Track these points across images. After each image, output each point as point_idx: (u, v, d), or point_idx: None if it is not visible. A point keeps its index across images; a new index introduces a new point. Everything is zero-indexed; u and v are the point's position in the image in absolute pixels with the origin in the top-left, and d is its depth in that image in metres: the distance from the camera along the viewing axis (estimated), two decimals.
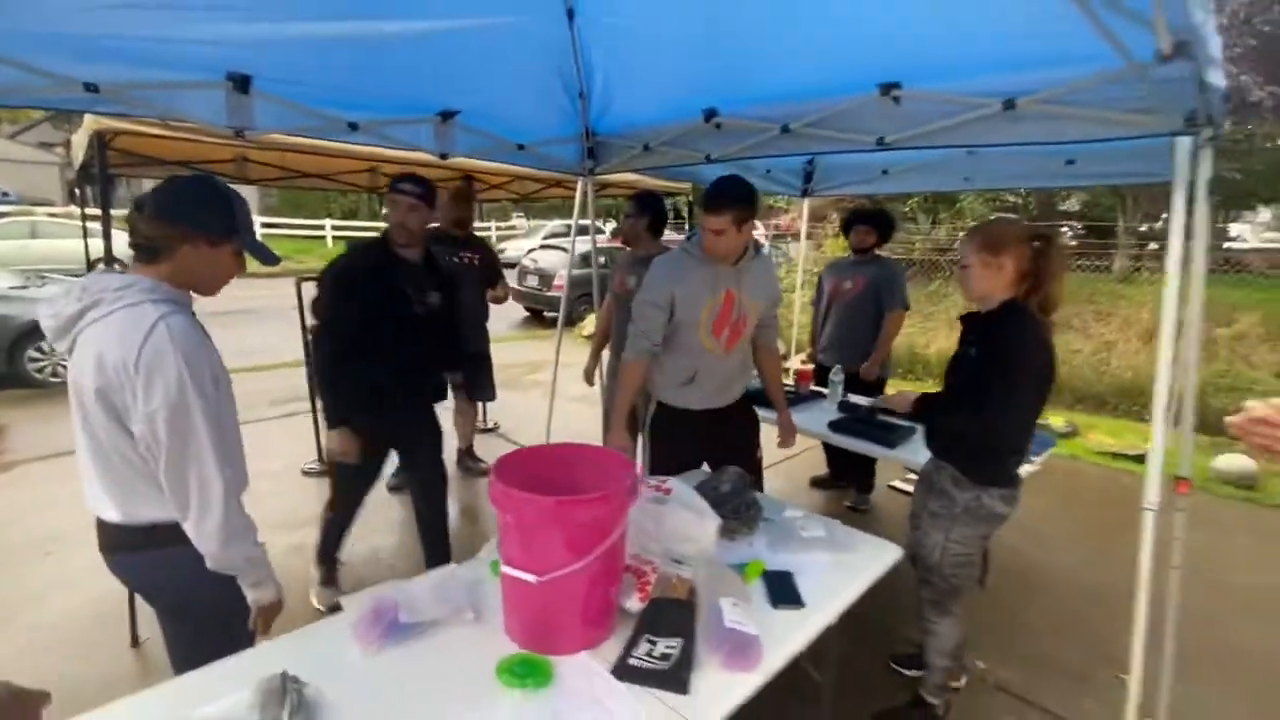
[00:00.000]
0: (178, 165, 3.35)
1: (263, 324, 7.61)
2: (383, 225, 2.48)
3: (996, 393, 1.69)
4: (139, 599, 2.36)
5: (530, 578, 1.19)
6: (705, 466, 2.21)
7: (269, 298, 6.57)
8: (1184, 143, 1.55)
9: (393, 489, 3.70)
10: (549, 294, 9.57)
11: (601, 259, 4.76)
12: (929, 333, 7.36)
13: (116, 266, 1.97)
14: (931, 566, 1.91)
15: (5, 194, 14.74)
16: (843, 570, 1.57)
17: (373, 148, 2.60)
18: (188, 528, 1.24)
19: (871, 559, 1.62)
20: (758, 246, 2.20)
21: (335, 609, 1.41)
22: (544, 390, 3.79)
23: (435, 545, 2.62)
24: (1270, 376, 5.78)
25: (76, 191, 4.27)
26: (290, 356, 5.20)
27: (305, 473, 3.97)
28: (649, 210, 2.94)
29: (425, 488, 2.60)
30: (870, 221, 3.39)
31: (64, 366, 5.28)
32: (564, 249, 10.17)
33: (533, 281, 9.98)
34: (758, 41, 2.02)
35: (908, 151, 2.51)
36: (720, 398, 2.26)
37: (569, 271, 3.73)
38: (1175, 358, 1.64)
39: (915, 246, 9.31)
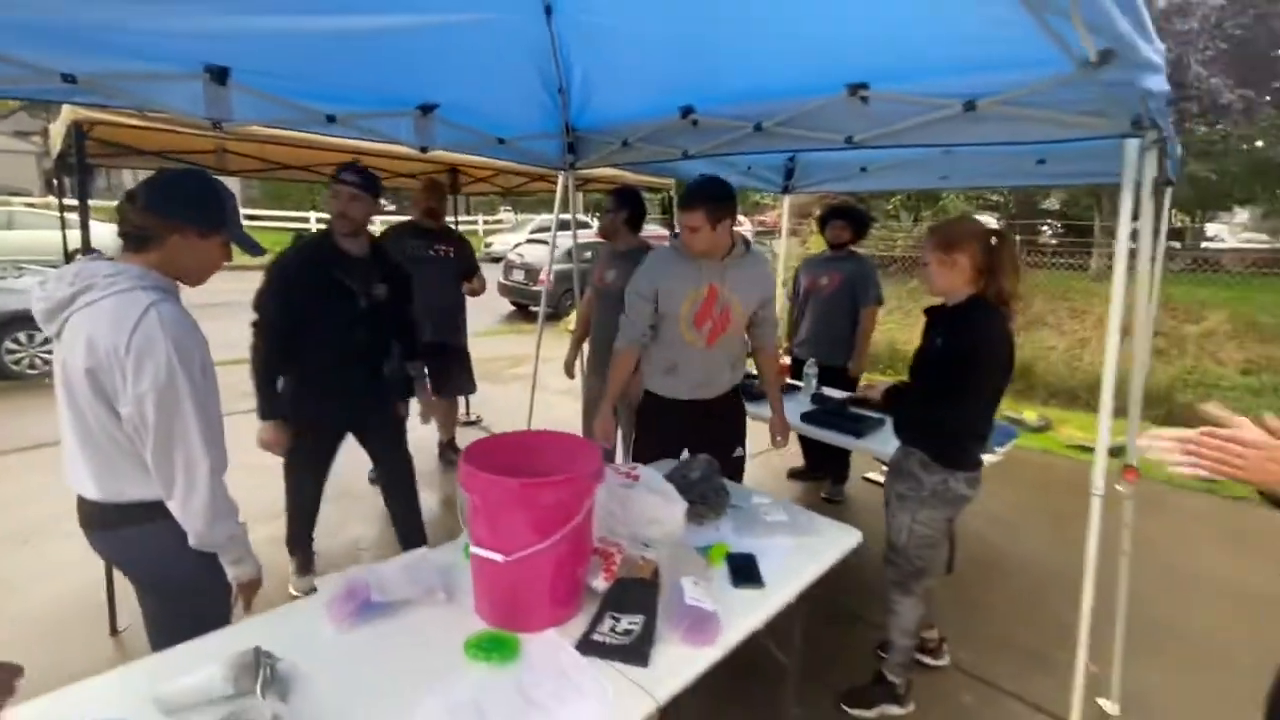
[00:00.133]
0: (156, 155, 3.34)
1: (247, 317, 7.62)
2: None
3: (962, 382, 1.78)
4: (118, 589, 2.40)
5: (498, 557, 1.24)
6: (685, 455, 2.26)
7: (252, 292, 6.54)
8: (1132, 144, 1.63)
9: (373, 481, 3.72)
10: (535, 288, 9.58)
11: (588, 253, 4.80)
12: (909, 329, 7.48)
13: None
14: (898, 548, 1.99)
15: None
16: (804, 553, 1.63)
17: (354, 140, 2.63)
18: (173, 506, 1.28)
19: (832, 542, 1.69)
20: (748, 244, 2.23)
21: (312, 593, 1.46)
22: (527, 384, 3.83)
23: (409, 532, 2.66)
24: (1236, 373, 5.95)
25: (54, 182, 4.23)
26: None
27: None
28: (627, 205, 2.98)
29: (390, 477, 2.65)
30: (846, 218, 3.46)
31: (41, 359, 5.25)
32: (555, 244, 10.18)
33: (519, 276, 9.98)
34: (732, 42, 2.06)
35: (885, 150, 2.59)
36: (702, 390, 2.29)
37: (549, 265, 3.76)
38: (1123, 351, 1.71)
39: (897, 243, 9.43)
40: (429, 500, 3.64)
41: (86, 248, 2.20)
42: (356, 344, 2.33)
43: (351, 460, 2.68)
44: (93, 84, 1.74)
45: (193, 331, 1.29)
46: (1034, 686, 2.25)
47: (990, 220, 12.76)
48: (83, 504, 1.36)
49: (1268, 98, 10.15)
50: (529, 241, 11.34)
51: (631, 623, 1.29)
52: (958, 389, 1.79)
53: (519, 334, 8.83)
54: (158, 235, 1.29)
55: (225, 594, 1.42)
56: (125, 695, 1.09)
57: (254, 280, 2.32)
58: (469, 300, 3.97)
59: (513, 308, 10.43)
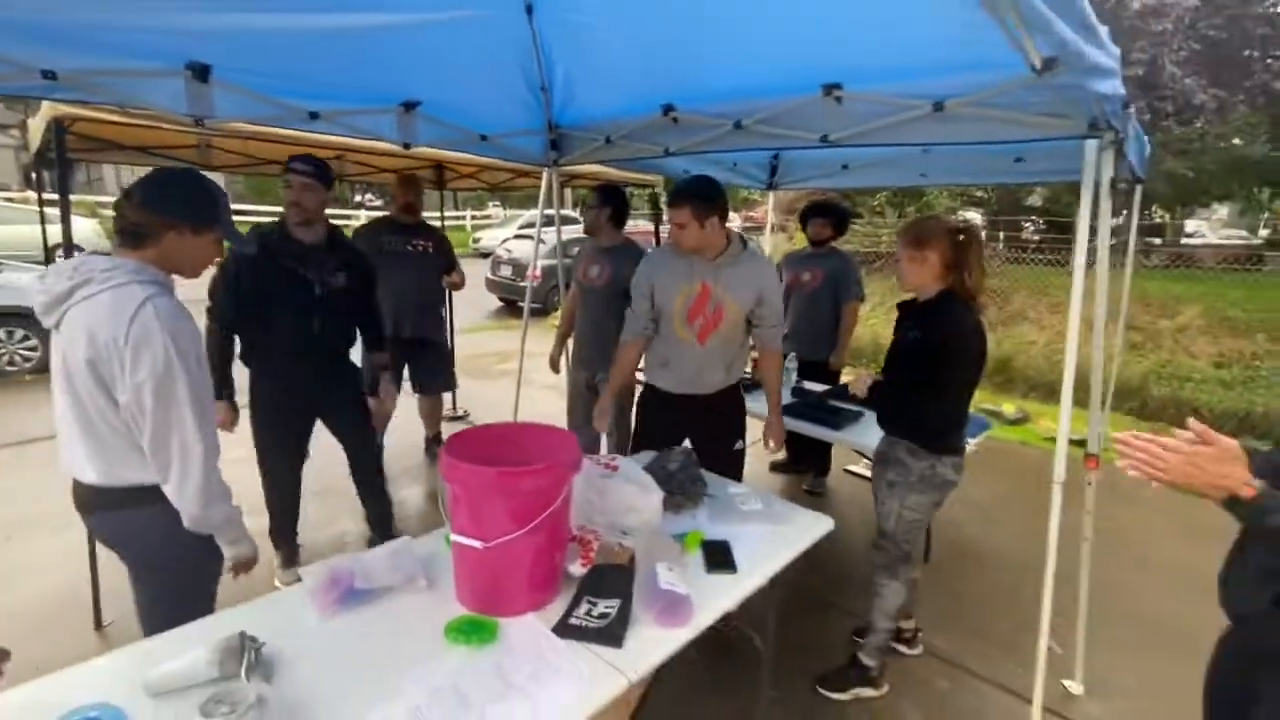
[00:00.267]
0: (137, 151, 3.32)
1: None
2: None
3: (938, 372, 1.86)
4: (103, 584, 2.42)
5: (477, 544, 1.28)
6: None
7: None
8: (1091, 145, 1.69)
9: None
10: (523, 284, 9.58)
11: (575, 249, 4.82)
12: (893, 324, 7.56)
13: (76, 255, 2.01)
14: (887, 533, 2.06)
15: None
16: (777, 540, 1.68)
17: (337, 137, 2.64)
18: (169, 490, 1.34)
19: (804, 530, 1.74)
20: (744, 242, 2.26)
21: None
22: (514, 379, 3.86)
23: (379, 517, 2.75)
24: (1209, 366, 6.09)
25: (33, 176, 4.21)
26: None
27: None
28: (611, 202, 3.02)
29: (356, 460, 2.72)
30: (826, 215, 3.52)
31: (20, 355, 5.19)
32: (541, 239, 10.18)
33: (506, 271, 9.98)
34: (711, 41, 2.10)
35: (866, 148, 2.63)
36: (694, 385, 2.33)
37: (534, 261, 3.79)
38: (1082, 344, 1.78)
39: (882, 240, 9.52)
40: (415, 494, 3.68)
41: (69, 243, 2.21)
42: (314, 332, 2.38)
43: (338, 458, 2.71)
44: (74, 80, 1.74)
45: (187, 323, 1.35)
46: (1005, 671, 2.32)
47: (975, 217, 12.93)
48: (81, 489, 1.41)
49: (1241, 97, 10.36)
50: (517, 237, 11.32)
51: (608, 606, 1.33)
52: (934, 379, 1.87)
53: (507, 329, 8.84)
54: (153, 232, 1.35)
55: (215, 576, 1.48)
56: (114, 681, 1.12)
57: None
58: (456, 296, 3.99)
59: (500, 303, 10.43)
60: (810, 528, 1.75)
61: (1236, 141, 11.07)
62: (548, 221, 3.61)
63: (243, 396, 2.44)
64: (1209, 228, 20.47)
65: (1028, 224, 13.12)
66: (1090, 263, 1.77)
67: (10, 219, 10.10)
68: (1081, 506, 2.16)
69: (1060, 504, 1.79)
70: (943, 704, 2.17)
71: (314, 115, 2.21)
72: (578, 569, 1.45)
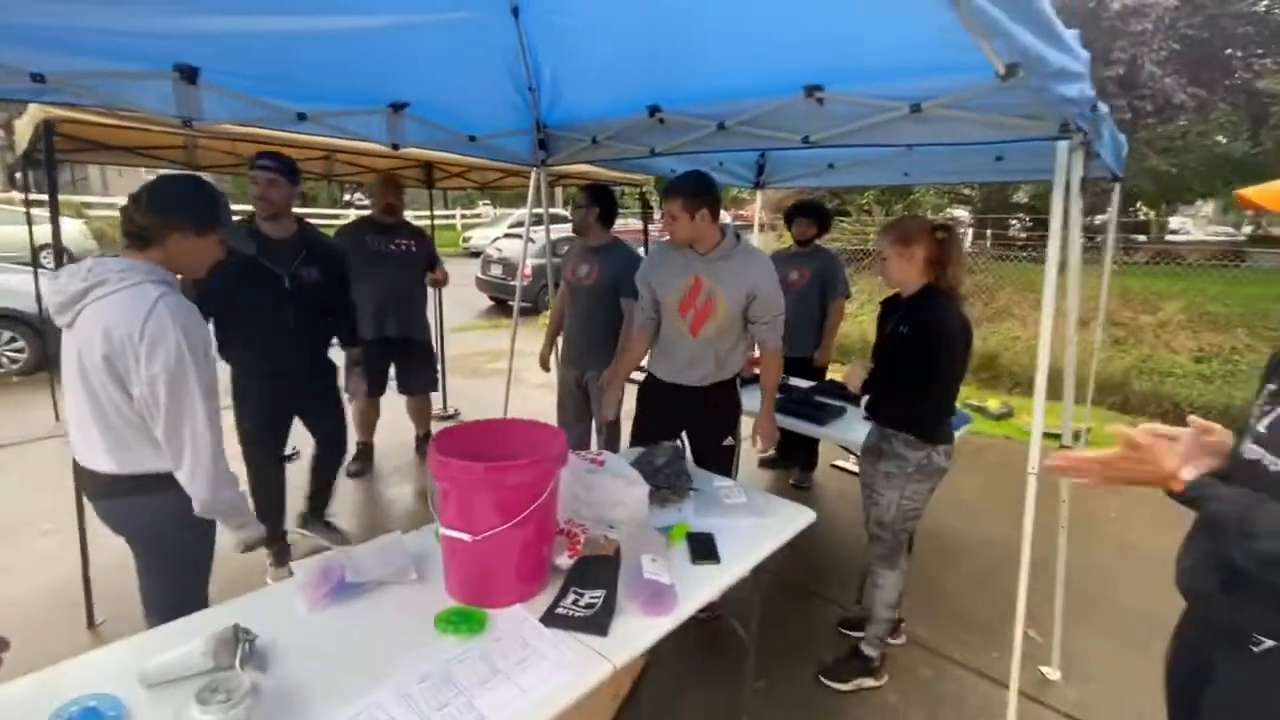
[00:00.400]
0: (124, 151, 3.33)
1: None
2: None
3: (931, 364, 1.92)
4: (95, 583, 2.43)
5: (466, 537, 1.31)
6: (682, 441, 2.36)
7: None
8: (1062, 145, 1.74)
9: (352, 474, 3.77)
10: (513, 283, 9.58)
11: (565, 248, 4.85)
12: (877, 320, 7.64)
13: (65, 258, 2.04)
14: (884, 524, 2.11)
15: None
16: (760, 531, 1.73)
17: (325, 138, 2.66)
18: (181, 477, 1.45)
19: (787, 522, 1.78)
20: (737, 237, 2.30)
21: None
22: (505, 377, 3.88)
23: (319, 504, 2.86)
24: (1190, 361, 6.20)
25: (18, 176, 4.19)
26: None
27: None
28: (599, 202, 3.05)
29: (327, 440, 2.80)
30: (810, 214, 3.57)
31: (8, 358, 5.16)
32: (530, 239, 10.20)
33: (497, 270, 9.98)
34: (696, 44, 2.13)
35: (851, 147, 2.68)
36: (684, 376, 2.38)
37: (522, 260, 3.81)
38: (1056, 337, 1.83)
39: (870, 238, 9.60)
40: (405, 492, 3.70)
41: (58, 244, 2.22)
42: (286, 325, 2.44)
43: None
44: (62, 83, 1.76)
45: (196, 320, 1.46)
46: (985, 658, 2.38)
47: (962, 214, 13.05)
48: (94, 477, 1.50)
49: (1220, 95, 10.52)
50: (507, 236, 11.32)
51: (594, 597, 1.37)
52: (927, 371, 1.93)
53: (497, 328, 8.85)
54: (159, 234, 1.45)
55: (210, 559, 1.64)
56: (110, 673, 1.15)
57: None
58: (447, 295, 4.00)
59: (491, 302, 10.43)
60: (792, 519, 1.80)
61: (1220, 139, 11.24)
62: (536, 221, 3.64)
63: (225, 397, 2.47)
64: (1194, 224, 20.73)
65: (1014, 221, 13.26)
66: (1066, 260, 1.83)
67: None
68: (1058, 498, 2.22)
69: (1035, 494, 1.84)
70: (924, 691, 2.23)
71: (302, 116, 2.23)
72: (565, 561, 1.48)
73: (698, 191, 2.18)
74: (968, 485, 3.87)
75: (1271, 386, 1.02)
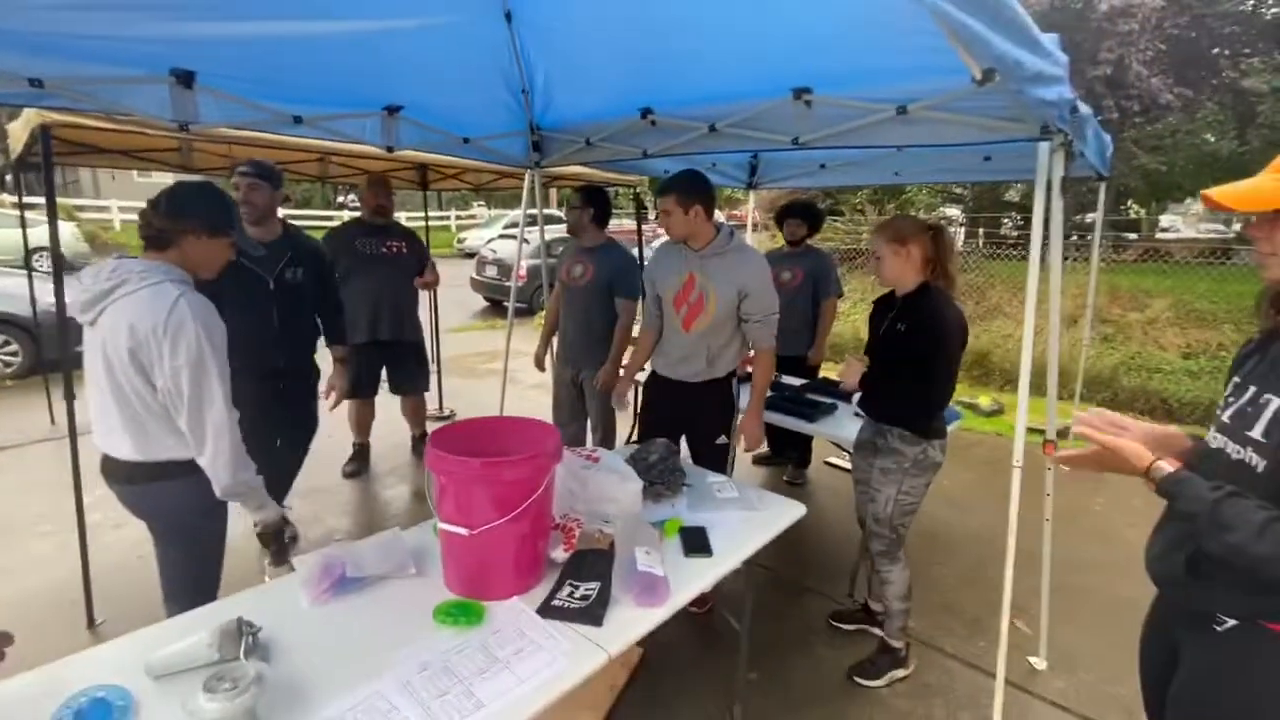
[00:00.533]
0: (120, 154, 3.35)
1: None
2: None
3: (932, 360, 1.95)
4: (95, 583, 2.45)
5: (463, 531, 1.34)
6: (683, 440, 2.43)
7: None
8: (1044, 146, 1.79)
9: (348, 475, 3.79)
10: (508, 284, 9.62)
11: (560, 249, 4.88)
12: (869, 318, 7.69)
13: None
14: (882, 519, 2.13)
15: None
16: (751, 525, 1.77)
17: (320, 140, 2.68)
18: (204, 462, 1.53)
19: (777, 516, 1.82)
20: (731, 234, 2.34)
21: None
22: (501, 377, 3.91)
23: (280, 492, 2.79)
24: (1177, 357, 6.28)
25: (9, 178, 4.19)
26: None
27: None
28: (593, 202, 3.08)
29: (292, 441, 2.81)
30: (800, 215, 3.61)
31: (4, 362, 5.16)
32: (525, 239, 10.23)
33: (492, 271, 10.00)
34: (687, 47, 2.17)
35: (841, 148, 2.72)
36: (678, 370, 2.43)
37: (517, 260, 3.84)
38: (1038, 332, 1.88)
39: (863, 237, 9.66)
40: (401, 492, 3.73)
41: (56, 248, 2.23)
42: (272, 326, 2.51)
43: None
44: (59, 88, 1.77)
45: (214, 315, 1.54)
46: (973, 649, 2.43)
47: (954, 213, 13.12)
48: (117, 465, 1.60)
49: (1207, 95, 10.63)
50: (502, 237, 11.34)
51: (589, 589, 1.40)
52: (925, 367, 1.95)
53: (493, 329, 8.87)
54: (174, 237, 1.56)
55: (224, 542, 1.76)
56: (116, 666, 1.18)
57: None
58: (442, 296, 4.03)
59: (486, 303, 10.45)
60: (783, 513, 1.84)
61: (1208, 138, 11.35)
62: (531, 222, 3.67)
63: None
64: (1184, 222, 20.88)
65: (1006, 220, 13.35)
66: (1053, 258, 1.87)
67: None
68: (1043, 492, 2.27)
69: (1020, 487, 1.89)
70: (913, 681, 2.27)
71: (298, 120, 2.26)
72: (560, 555, 1.52)
73: (690, 188, 2.24)
74: (957, 480, 3.92)
75: (1236, 380, 1.06)
